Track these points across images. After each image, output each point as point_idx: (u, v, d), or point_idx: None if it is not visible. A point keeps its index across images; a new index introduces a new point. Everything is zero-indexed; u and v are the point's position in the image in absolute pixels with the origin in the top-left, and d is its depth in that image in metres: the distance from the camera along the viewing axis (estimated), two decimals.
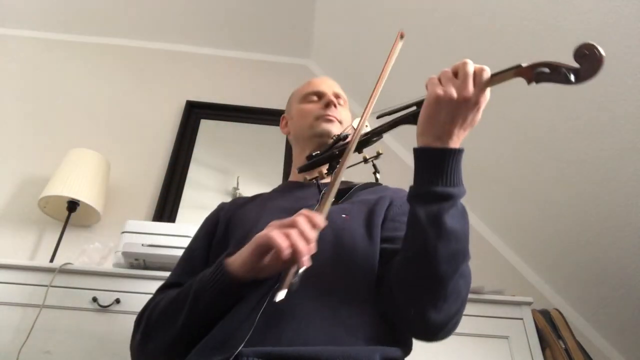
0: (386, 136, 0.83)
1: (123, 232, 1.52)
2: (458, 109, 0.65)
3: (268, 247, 0.64)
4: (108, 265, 1.59)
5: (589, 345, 1.60)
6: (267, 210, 0.90)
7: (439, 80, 0.67)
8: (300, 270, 0.61)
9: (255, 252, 0.66)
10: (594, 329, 1.79)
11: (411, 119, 0.75)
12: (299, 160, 1.06)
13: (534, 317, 1.44)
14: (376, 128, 0.82)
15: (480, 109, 0.66)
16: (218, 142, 2.34)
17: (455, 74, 0.67)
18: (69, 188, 1.76)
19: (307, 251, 0.61)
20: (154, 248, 1.43)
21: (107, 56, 2.57)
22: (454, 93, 0.64)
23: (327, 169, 0.87)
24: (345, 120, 1.06)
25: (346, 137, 0.88)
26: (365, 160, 0.87)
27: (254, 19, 2.57)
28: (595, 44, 0.60)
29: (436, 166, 0.66)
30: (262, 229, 0.82)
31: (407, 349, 0.75)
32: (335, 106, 1.06)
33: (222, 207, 1.03)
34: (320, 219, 0.64)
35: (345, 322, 0.68)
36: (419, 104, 0.74)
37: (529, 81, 0.64)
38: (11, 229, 1.89)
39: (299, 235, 0.62)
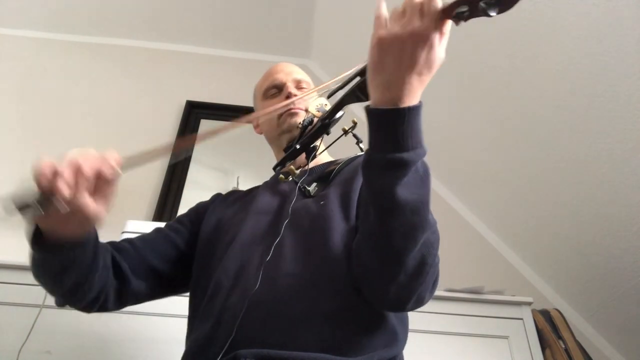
0: (355, 108, 0.82)
1: (123, 232, 1.52)
2: (403, 48, 0.55)
3: (34, 174, 0.58)
4: None
5: (589, 345, 1.60)
6: (250, 211, 0.89)
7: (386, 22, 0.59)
8: (56, 200, 0.55)
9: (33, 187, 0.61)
10: (594, 329, 1.79)
11: (358, 94, 0.71)
12: (279, 156, 1.04)
13: (534, 317, 1.43)
14: (326, 112, 0.81)
15: (434, 46, 0.56)
16: (218, 142, 2.33)
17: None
18: None
19: (63, 175, 0.56)
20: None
21: (107, 56, 2.57)
22: (397, 29, 0.56)
23: (305, 157, 0.86)
24: (311, 104, 1.03)
25: (311, 121, 0.85)
26: (345, 133, 0.86)
27: (253, 19, 2.57)
28: None
29: (387, 129, 0.57)
30: (245, 232, 0.83)
31: (396, 334, 0.72)
32: (296, 96, 1.00)
33: (215, 198, 1.03)
34: (109, 162, 0.62)
35: (331, 314, 0.68)
36: (361, 72, 0.70)
37: (455, 23, 0.57)
38: (11, 229, 1.89)
39: (68, 162, 0.57)
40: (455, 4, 0.55)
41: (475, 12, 0.54)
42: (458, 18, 0.55)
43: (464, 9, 0.54)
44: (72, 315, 1.31)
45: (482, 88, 1.82)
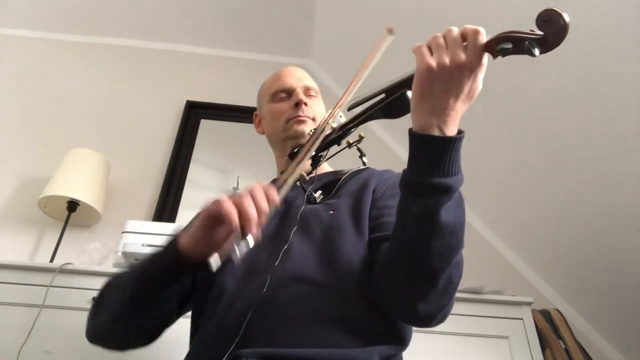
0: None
1: (123, 232, 1.53)
2: (451, 78, 0.59)
3: (216, 215, 0.60)
4: (108, 265, 1.59)
5: (589, 345, 1.60)
6: None
7: (429, 48, 0.61)
8: (249, 241, 0.58)
9: (204, 223, 0.64)
10: (594, 329, 1.79)
11: (382, 114, 0.72)
12: (280, 161, 1.04)
13: (534, 317, 1.43)
14: (346, 123, 0.80)
15: (478, 77, 0.60)
16: (218, 142, 2.34)
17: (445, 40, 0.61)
18: (69, 188, 1.76)
19: (256, 219, 0.59)
20: (154, 248, 1.43)
21: (107, 56, 2.57)
22: (446, 61, 0.59)
23: (311, 165, 0.84)
24: (319, 114, 1.02)
25: (323, 130, 0.85)
26: (349, 145, 0.86)
27: (253, 19, 2.57)
28: (558, 9, 0.55)
29: (434, 155, 0.60)
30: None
31: (404, 340, 0.74)
32: (306, 104, 1.00)
33: None
34: (275, 194, 0.62)
35: (339, 319, 0.68)
36: (388, 91, 0.70)
37: (494, 56, 0.59)
38: (11, 229, 1.89)
39: (250, 204, 0.59)
40: (499, 40, 0.57)
41: (519, 50, 0.56)
42: (499, 53, 0.57)
43: (508, 45, 0.57)
44: (72, 315, 1.31)
45: (483, 89, 1.82)
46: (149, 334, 0.79)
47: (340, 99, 0.81)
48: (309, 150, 0.75)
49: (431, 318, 0.68)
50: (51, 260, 1.69)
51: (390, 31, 0.82)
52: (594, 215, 1.63)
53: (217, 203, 0.60)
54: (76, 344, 1.26)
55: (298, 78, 1.07)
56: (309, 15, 2.54)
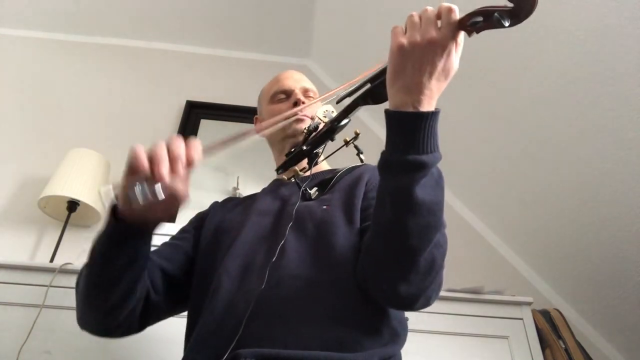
0: (363, 116, 0.83)
1: None
2: (424, 55, 0.59)
3: (131, 164, 0.59)
4: None
5: (589, 345, 1.60)
6: (251, 212, 0.90)
7: (405, 29, 0.63)
8: (158, 190, 0.55)
9: (125, 178, 0.61)
10: (594, 329, 1.79)
11: (367, 99, 0.74)
12: (279, 161, 1.06)
13: (534, 317, 1.43)
14: (336, 116, 0.82)
15: (451, 54, 0.61)
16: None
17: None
18: (69, 188, 1.76)
19: (166, 162, 0.57)
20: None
21: (107, 56, 2.57)
22: (417, 37, 0.60)
23: (307, 163, 0.86)
24: (318, 110, 1.04)
25: (317, 127, 0.87)
26: (347, 143, 0.87)
27: (253, 19, 2.57)
28: None
29: (408, 132, 0.60)
30: (247, 233, 0.83)
31: (399, 335, 0.74)
32: (303, 103, 1.03)
33: (213, 206, 1.04)
34: (197, 150, 0.61)
35: (337, 318, 0.69)
36: (372, 79, 0.73)
37: (469, 34, 0.60)
38: (11, 229, 1.89)
39: (163, 148, 0.59)
40: (470, 15, 0.58)
41: (490, 22, 0.57)
42: (472, 27, 0.58)
43: (479, 19, 0.58)
44: (72, 315, 1.31)
45: (483, 88, 1.82)
46: (126, 315, 0.76)
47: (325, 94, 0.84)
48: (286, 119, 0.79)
49: (413, 300, 0.67)
50: (51, 260, 1.69)
51: None
52: (595, 215, 1.63)
53: (131, 150, 0.59)
54: (76, 344, 1.27)
55: (296, 80, 1.11)
56: (309, 15, 2.54)
